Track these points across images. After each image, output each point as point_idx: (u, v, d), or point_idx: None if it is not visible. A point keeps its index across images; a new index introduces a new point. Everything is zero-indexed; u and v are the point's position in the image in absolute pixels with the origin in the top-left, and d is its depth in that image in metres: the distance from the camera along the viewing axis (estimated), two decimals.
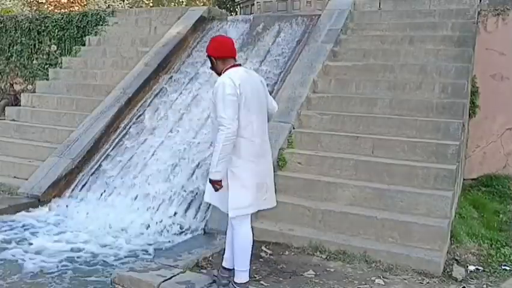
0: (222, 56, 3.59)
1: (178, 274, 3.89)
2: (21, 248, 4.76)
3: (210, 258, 4.41)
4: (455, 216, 5.26)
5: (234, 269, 3.68)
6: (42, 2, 15.44)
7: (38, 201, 5.99)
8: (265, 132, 3.67)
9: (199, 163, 5.92)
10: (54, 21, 10.21)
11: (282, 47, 7.39)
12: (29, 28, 10.48)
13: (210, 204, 5.31)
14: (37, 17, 10.61)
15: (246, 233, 3.59)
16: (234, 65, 3.60)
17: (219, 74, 3.60)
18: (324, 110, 6.02)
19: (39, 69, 10.40)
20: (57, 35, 10.17)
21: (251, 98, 3.48)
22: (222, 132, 3.34)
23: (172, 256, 4.28)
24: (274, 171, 3.99)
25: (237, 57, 3.70)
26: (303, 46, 7.08)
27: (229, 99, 3.36)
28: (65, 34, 10.08)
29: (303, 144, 5.65)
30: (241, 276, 3.62)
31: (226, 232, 3.82)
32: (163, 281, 3.76)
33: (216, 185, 3.47)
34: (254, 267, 4.24)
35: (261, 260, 4.41)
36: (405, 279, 4.09)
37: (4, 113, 8.57)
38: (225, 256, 3.78)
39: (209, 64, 3.75)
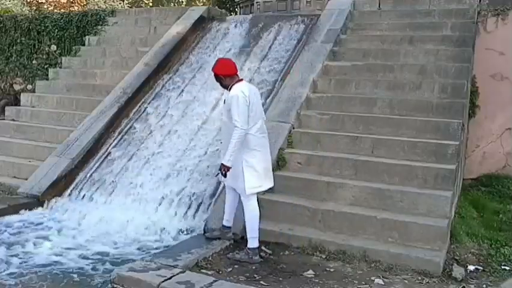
0: (228, 74, 4.45)
1: (178, 274, 3.89)
2: (20, 248, 4.76)
3: (210, 258, 4.42)
4: (454, 216, 5.26)
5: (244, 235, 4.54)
6: (42, 2, 15.42)
7: (38, 201, 5.98)
8: (265, 130, 4.60)
9: (199, 162, 5.92)
10: (54, 21, 10.19)
11: (282, 47, 7.38)
12: (29, 28, 10.45)
13: (209, 205, 5.36)
14: (37, 17, 10.58)
15: (254, 206, 4.47)
16: (239, 80, 4.46)
17: (227, 88, 4.47)
18: (323, 110, 6.02)
19: (39, 69, 10.37)
20: (57, 35, 10.15)
21: (255, 105, 4.41)
22: (236, 131, 4.24)
23: (172, 256, 4.27)
24: (274, 171, 4.88)
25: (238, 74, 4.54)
26: (302, 46, 7.08)
27: (242, 107, 4.26)
28: (65, 34, 10.06)
29: (303, 144, 5.65)
30: (253, 242, 4.42)
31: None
32: (163, 281, 3.77)
33: (226, 170, 4.33)
34: (254, 267, 4.26)
35: (261, 259, 4.41)
36: (405, 279, 4.09)
37: (4, 113, 8.56)
38: (224, 217, 4.73)
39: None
